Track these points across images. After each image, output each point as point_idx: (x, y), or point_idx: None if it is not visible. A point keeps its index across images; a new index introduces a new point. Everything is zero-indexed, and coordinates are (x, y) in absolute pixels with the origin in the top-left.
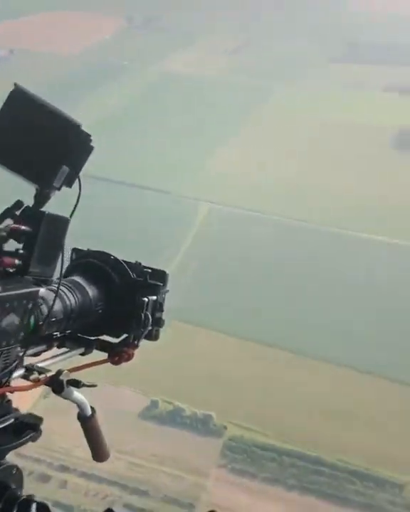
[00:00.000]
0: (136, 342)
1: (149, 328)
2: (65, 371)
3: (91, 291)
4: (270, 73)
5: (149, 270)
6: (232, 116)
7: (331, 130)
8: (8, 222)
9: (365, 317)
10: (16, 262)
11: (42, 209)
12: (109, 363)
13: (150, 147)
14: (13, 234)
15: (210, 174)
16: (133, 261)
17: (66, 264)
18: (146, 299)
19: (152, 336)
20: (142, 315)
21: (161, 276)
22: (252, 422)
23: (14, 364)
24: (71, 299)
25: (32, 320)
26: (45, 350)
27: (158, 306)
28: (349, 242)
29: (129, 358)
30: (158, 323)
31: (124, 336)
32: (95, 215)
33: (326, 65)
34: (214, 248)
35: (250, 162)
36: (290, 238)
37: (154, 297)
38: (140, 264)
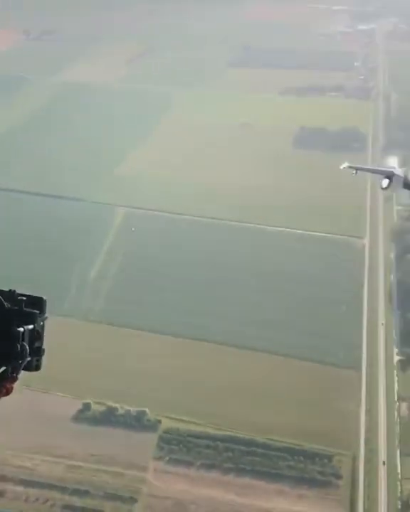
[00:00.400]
0: (14, 374)
1: (28, 358)
2: None
3: None
4: (170, 79)
5: (24, 298)
6: (138, 122)
7: (235, 132)
8: None
9: (279, 303)
10: None
11: None
12: None
13: (59, 157)
14: None
15: (123, 179)
16: (6, 289)
17: None
18: (21, 329)
19: (32, 367)
20: (18, 346)
21: (38, 303)
22: (185, 413)
23: None
24: None
25: None
26: None
27: (36, 335)
28: (258, 235)
29: (8, 392)
30: (37, 352)
31: (2, 368)
32: (7, 226)
33: (225, 70)
34: (133, 250)
35: (160, 165)
36: (203, 235)
37: (31, 326)
38: (14, 292)
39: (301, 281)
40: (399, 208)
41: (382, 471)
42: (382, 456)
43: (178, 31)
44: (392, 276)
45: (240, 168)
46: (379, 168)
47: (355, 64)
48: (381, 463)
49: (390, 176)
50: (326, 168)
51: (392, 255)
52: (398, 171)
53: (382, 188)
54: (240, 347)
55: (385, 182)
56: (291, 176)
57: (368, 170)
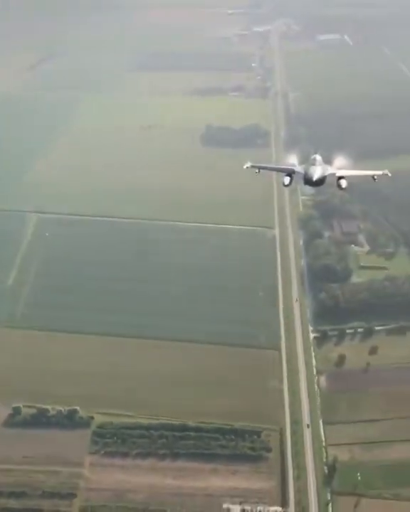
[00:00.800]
0: None
1: None
2: None
3: None
4: (75, 85)
5: None
6: (45, 128)
7: (144, 133)
8: None
9: (200, 295)
10: None
11: None
12: None
13: None
14: None
15: (33, 186)
16: None
17: None
18: None
19: None
20: None
21: None
22: (116, 407)
23: None
24: None
25: None
26: None
27: None
28: (176, 231)
29: None
30: None
31: None
32: None
33: (129, 74)
34: (49, 255)
35: (71, 170)
36: (121, 235)
37: None
38: None
39: (220, 273)
40: (304, 198)
41: (308, 440)
42: (305, 423)
43: (77, 38)
44: (302, 261)
45: (152, 167)
46: (280, 166)
47: (253, 65)
48: (305, 426)
49: (291, 173)
50: (234, 164)
51: (301, 242)
52: (298, 168)
53: (284, 185)
54: (165, 339)
55: (287, 179)
56: (202, 173)
57: (270, 168)
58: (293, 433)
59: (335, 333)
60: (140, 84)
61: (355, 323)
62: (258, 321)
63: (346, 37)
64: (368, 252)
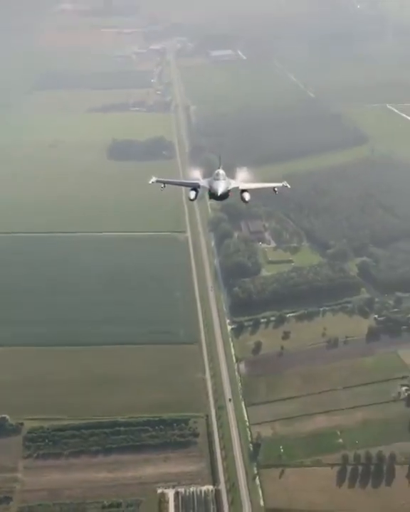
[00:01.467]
0: None
1: None
2: None
3: None
4: None
5: None
6: None
7: (48, 150)
8: None
9: (121, 299)
10: None
11: None
12: None
13: None
14: None
15: None
16: None
17: None
18: None
19: None
20: None
21: None
22: (46, 411)
23: None
24: None
25: None
26: None
27: None
28: (93, 241)
29: None
30: None
31: None
32: None
33: (29, 93)
34: None
35: None
36: (38, 248)
37: None
38: None
39: (138, 277)
40: (212, 202)
41: (232, 422)
42: (230, 409)
43: None
44: (215, 260)
45: (61, 181)
46: (186, 181)
47: (152, 81)
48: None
49: (196, 187)
50: (141, 175)
51: (212, 243)
52: (203, 183)
53: (190, 199)
54: (91, 344)
55: (192, 194)
56: (112, 185)
57: (175, 183)
58: (218, 418)
59: (250, 323)
60: (41, 103)
61: (268, 313)
62: (177, 319)
63: (239, 52)
64: (274, 248)
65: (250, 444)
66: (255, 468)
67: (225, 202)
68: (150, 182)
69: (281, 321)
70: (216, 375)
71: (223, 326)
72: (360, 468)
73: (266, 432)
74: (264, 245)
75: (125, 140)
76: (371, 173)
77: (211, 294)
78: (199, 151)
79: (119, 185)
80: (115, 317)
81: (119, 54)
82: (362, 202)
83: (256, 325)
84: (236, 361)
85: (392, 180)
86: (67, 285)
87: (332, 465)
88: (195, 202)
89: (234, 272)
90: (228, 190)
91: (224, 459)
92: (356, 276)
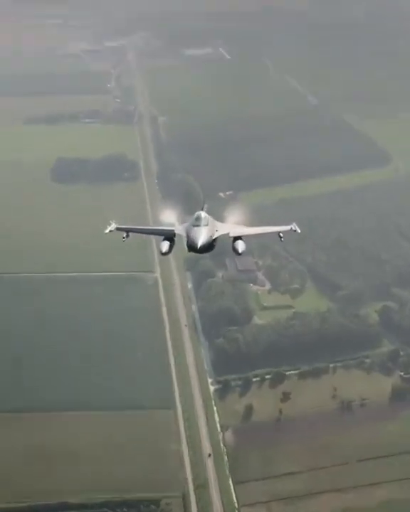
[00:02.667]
0: None
1: None
2: None
3: None
4: None
5: None
6: None
7: None
8: None
9: (78, 356)
10: None
11: None
12: None
13: None
14: None
15: None
16: None
17: None
18: None
19: None
20: None
21: None
22: None
23: None
24: None
25: None
26: None
27: None
28: (24, 282)
29: None
30: None
31: None
32: None
33: None
34: None
35: None
36: None
37: None
38: None
39: (95, 331)
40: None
41: (217, 503)
42: (213, 484)
43: None
44: (193, 306)
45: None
46: (156, 228)
47: (108, 85)
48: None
49: (170, 236)
50: (96, 201)
51: (189, 284)
52: (179, 230)
53: (162, 253)
54: (33, 411)
55: (164, 245)
56: (57, 213)
57: (142, 231)
58: (199, 498)
59: (239, 382)
60: None
61: (262, 370)
62: (145, 378)
63: (221, 50)
64: (270, 291)
65: None
66: None
67: None
68: (107, 231)
69: (279, 379)
70: (195, 447)
71: (203, 387)
72: None
73: None
74: (256, 287)
75: (75, 158)
76: (394, 197)
77: (188, 346)
78: (171, 173)
79: (66, 214)
80: (66, 378)
81: (67, 52)
82: (382, 233)
83: (247, 385)
84: (221, 430)
85: None
86: (11, 340)
87: None
88: None
89: (218, 320)
90: (213, 240)
91: None
92: (376, 324)
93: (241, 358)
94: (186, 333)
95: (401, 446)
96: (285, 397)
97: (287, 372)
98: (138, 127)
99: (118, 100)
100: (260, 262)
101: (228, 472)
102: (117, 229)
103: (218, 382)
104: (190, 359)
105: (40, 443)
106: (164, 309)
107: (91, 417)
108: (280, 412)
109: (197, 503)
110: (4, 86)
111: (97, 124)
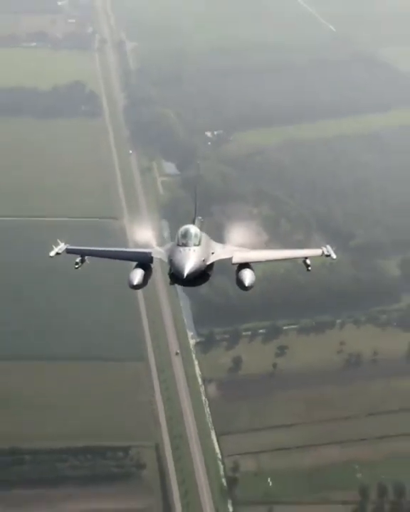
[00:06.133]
0: None
1: None
2: None
3: None
4: None
5: None
6: None
7: None
8: None
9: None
10: None
11: None
12: None
13: None
14: None
15: None
16: None
17: None
18: None
19: None
20: None
21: None
22: None
23: None
24: None
25: None
26: None
27: None
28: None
29: None
30: None
31: None
32: None
33: None
34: None
35: None
36: None
37: None
38: None
39: (54, 277)
40: (165, 179)
41: (197, 454)
42: (193, 435)
43: None
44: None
45: None
46: (125, 250)
47: (59, 3)
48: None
49: (146, 262)
50: (46, 138)
51: (166, 234)
52: (160, 253)
53: (132, 286)
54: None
55: (137, 274)
56: (4, 152)
57: (103, 254)
58: (176, 448)
59: (226, 336)
60: None
61: (254, 324)
62: (116, 330)
63: None
64: (266, 242)
65: (224, 479)
66: (229, 506)
67: (185, 175)
68: (53, 253)
69: (275, 333)
70: (171, 399)
71: (182, 338)
72: (387, 506)
73: (248, 464)
74: None
75: (17, 87)
76: None
77: (164, 296)
78: (142, 107)
79: (9, 152)
80: (29, 327)
81: None
82: (408, 180)
83: (235, 338)
84: (203, 382)
85: None
86: None
87: (346, 502)
88: (139, 176)
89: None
90: (208, 265)
91: (184, 495)
92: (396, 278)
93: (230, 310)
94: (161, 283)
95: None
96: (281, 351)
97: (285, 327)
98: (98, 55)
99: (72, 21)
100: (256, 211)
101: (210, 424)
102: (68, 251)
103: (200, 335)
104: (166, 310)
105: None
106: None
107: (53, 367)
108: (274, 366)
109: (173, 452)
110: None
111: (46, 49)
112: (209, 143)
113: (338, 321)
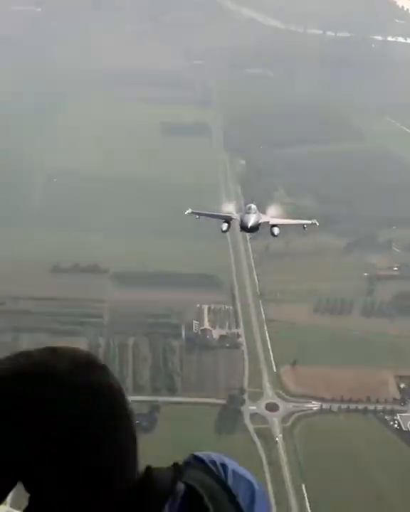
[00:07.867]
0: None
1: None
2: None
3: None
4: None
5: None
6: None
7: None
8: None
9: None
10: None
11: None
12: None
13: None
14: None
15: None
16: None
17: None
18: None
19: None
20: None
21: None
22: None
23: None
24: None
25: None
26: None
27: None
28: None
29: None
30: None
31: None
32: None
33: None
34: None
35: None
36: None
37: None
38: None
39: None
40: None
41: (248, 278)
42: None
43: None
44: None
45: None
46: (219, 214)
47: None
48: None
49: (229, 220)
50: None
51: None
52: (235, 216)
53: (222, 231)
54: None
55: (224, 226)
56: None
57: (210, 215)
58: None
59: None
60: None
61: None
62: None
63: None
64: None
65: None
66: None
67: None
68: (186, 213)
69: None
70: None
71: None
72: None
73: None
74: None
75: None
76: None
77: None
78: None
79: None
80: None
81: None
82: None
83: None
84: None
85: None
86: None
87: None
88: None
89: None
90: (258, 224)
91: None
92: None
93: None
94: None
95: None
96: None
97: None
98: None
99: None
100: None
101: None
102: (192, 212)
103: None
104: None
105: None
106: None
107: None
108: None
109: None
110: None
111: None
112: None
113: None
